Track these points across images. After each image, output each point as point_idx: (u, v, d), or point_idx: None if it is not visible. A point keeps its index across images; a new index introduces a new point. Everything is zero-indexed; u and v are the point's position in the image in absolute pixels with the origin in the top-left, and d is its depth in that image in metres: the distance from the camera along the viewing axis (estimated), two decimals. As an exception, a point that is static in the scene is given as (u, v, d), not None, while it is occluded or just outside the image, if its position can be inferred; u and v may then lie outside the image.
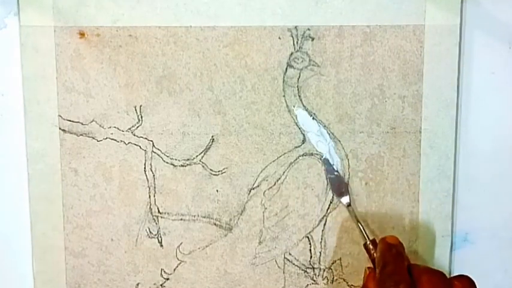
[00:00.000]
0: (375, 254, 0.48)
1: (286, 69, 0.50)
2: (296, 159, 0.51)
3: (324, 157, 0.51)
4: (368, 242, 0.49)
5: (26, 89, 0.50)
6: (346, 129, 0.51)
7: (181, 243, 0.52)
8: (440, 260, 0.52)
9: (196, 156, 0.51)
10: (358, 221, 0.50)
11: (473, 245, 0.53)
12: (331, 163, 0.51)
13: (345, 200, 0.51)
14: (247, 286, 0.53)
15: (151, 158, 0.51)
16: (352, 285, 0.53)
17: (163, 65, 0.50)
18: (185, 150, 0.51)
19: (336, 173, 0.51)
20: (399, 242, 0.47)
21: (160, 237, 0.52)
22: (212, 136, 0.51)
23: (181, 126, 0.51)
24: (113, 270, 0.52)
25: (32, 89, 0.50)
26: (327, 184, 0.51)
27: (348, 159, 0.51)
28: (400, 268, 0.45)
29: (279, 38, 0.50)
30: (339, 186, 0.51)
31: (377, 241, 0.48)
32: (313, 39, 0.50)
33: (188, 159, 0.51)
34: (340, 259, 0.52)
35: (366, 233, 0.49)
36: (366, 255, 0.49)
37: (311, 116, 0.51)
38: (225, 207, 0.52)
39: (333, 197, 0.51)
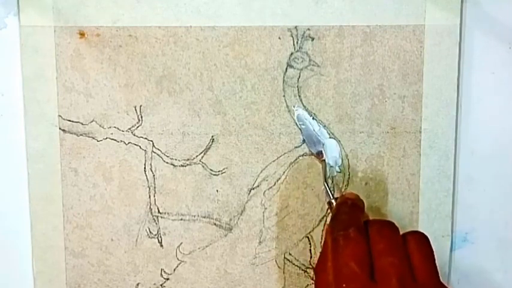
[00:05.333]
0: None
1: (286, 69, 0.50)
2: (296, 159, 0.51)
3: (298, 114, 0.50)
4: (332, 200, 0.48)
5: (26, 89, 0.50)
6: (346, 129, 0.51)
7: (181, 243, 0.52)
8: (440, 259, 0.52)
9: (196, 156, 0.51)
10: (325, 179, 0.49)
11: (473, 245, 0.53)
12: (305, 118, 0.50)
13: (318, 150, 0.50)
14: (247, 286, 0.53)
15: (151, 158, 0.51)
16: (352, 285, 0.53)
17: (163, 65, 0.50)
18: (185, 150, 0.51)
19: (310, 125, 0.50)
20: (357, 196, 0.47)
21: (160, 237, 0.52)
22: (212, 136, 0.51)
23: (181, 126, 0.51)
24: (113, 270, 0.52)
25: (32, 89, 0.50)
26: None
27: (348, 159, 0.51)
28: (352, 216, 0.44)
29: (279, 38, 0.50)
30: (313, 137, 0.50)
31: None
32: (313, 39, 0.50)
33: (188, 159, 0.51)
34: (340, 259, 0.52)
35: (331, 191, 0.49)
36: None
37: (311, 116, 0.51)
38: (225, 207, 0.52)
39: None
